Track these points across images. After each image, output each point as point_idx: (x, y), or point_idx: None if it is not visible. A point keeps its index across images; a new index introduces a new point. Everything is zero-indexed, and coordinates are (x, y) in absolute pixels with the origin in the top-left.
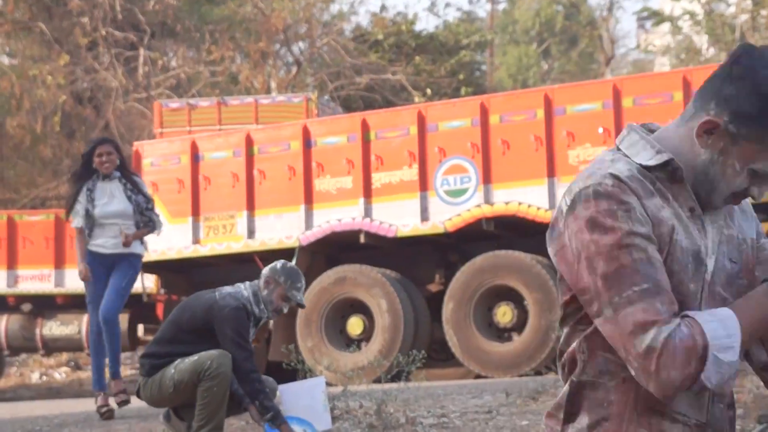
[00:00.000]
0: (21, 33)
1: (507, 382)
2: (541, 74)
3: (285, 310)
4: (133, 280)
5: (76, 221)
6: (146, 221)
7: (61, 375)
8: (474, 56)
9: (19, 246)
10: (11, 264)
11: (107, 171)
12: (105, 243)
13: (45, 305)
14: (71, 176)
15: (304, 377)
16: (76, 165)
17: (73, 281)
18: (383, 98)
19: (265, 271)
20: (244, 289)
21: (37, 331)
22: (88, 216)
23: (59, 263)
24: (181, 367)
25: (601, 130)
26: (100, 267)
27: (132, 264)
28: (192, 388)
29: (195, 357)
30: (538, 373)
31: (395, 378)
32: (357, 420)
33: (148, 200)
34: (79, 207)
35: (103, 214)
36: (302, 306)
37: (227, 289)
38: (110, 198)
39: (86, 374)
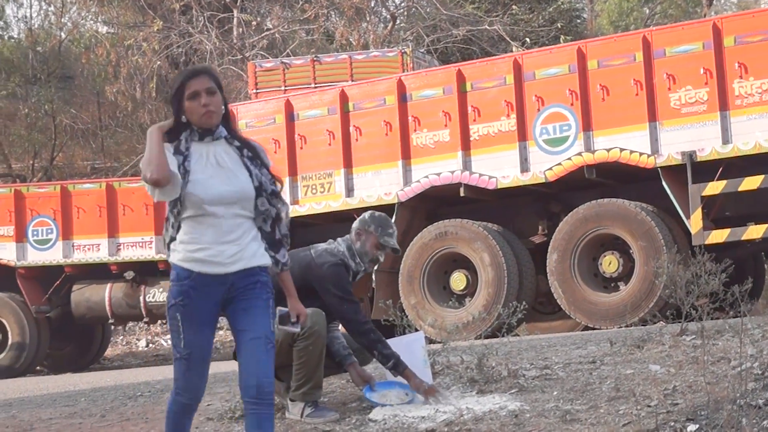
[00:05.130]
0: (114, 0)
1: (612, 332)
2: (642, 19)
3: (381, 259)
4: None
5: (159, 193)
6: (277, 228)
7: (167, 342)
8: (573, 3)
9: (119, 213)
10: (112, 232)
11: (209, 123)
12: (219, 253)
13: (148, 272)
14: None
15: (403, 333)
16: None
17: None
18: (481, 50)
19: (355, 224)
20: (338, 244)
21: (141, 298)
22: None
23: (160, 229)
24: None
25: (702, 71)
26: (203, 296)
27: (267, 286)
28: (288, 348)
29: None
30: (644, 322)
31: (497, 332)
32: (458, 375)
33: (274, 179)
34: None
35: (211, 197)
36: (397, 251)
37: (322, 246)
38: (217, 169)
39: None
